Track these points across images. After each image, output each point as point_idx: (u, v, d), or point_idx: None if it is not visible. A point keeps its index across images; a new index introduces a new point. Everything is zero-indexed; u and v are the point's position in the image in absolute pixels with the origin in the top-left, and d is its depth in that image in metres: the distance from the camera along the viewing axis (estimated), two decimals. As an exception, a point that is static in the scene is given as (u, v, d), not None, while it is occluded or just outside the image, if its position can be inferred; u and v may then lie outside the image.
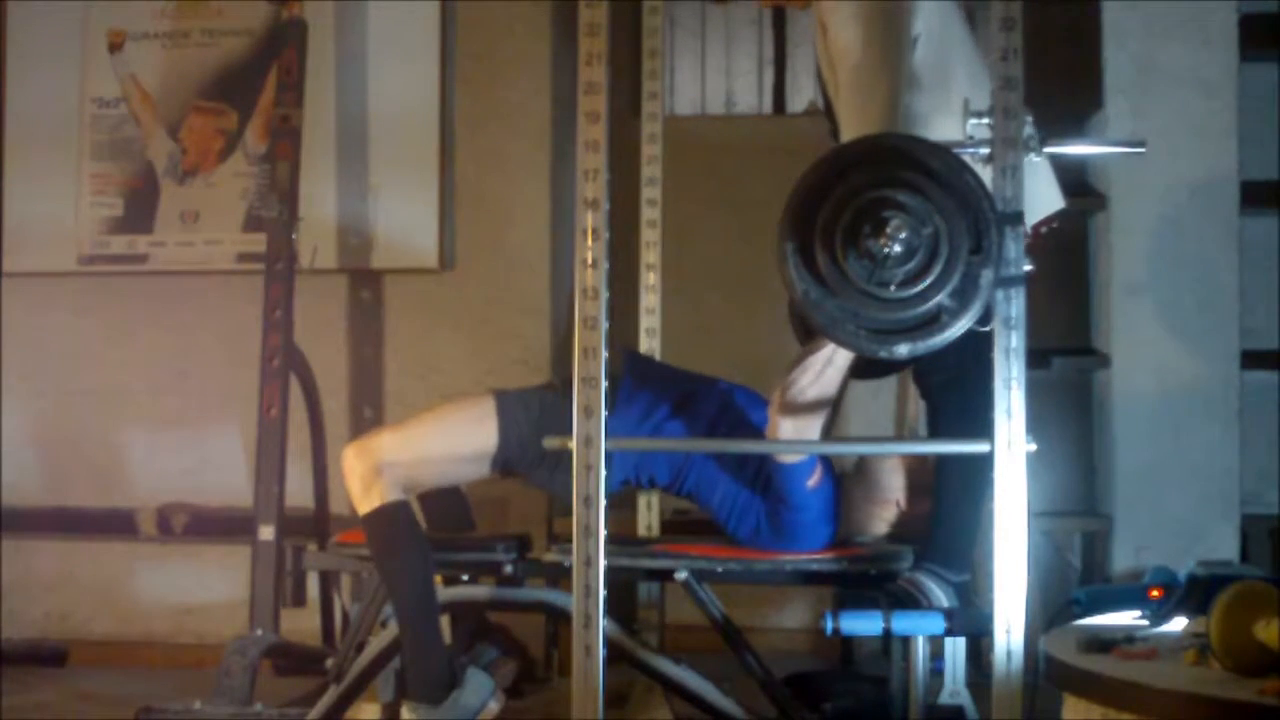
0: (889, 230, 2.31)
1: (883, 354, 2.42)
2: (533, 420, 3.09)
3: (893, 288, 2.35)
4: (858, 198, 2.36)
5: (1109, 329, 4.33)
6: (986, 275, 2.37)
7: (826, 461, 3.14)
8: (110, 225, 4.92)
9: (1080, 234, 4.59)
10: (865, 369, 2.92)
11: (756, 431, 3.12)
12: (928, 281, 2.34)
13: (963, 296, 2.37)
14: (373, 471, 3.07)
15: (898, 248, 2.32)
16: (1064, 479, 4.41)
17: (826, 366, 2.82)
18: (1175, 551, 4.02)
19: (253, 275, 4.48)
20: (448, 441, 3.14)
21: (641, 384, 3.19)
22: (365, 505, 3.08)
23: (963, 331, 2.39)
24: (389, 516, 3.06)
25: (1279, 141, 4.53)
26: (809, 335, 2.91)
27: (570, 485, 2.48)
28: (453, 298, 4.78)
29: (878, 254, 2.33)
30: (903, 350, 2.39)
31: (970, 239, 2.37)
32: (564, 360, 3.14)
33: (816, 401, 2.87)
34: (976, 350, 2.85)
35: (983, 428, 2.72)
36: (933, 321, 2.38)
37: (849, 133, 2.87)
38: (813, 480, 3.03)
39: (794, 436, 2.90)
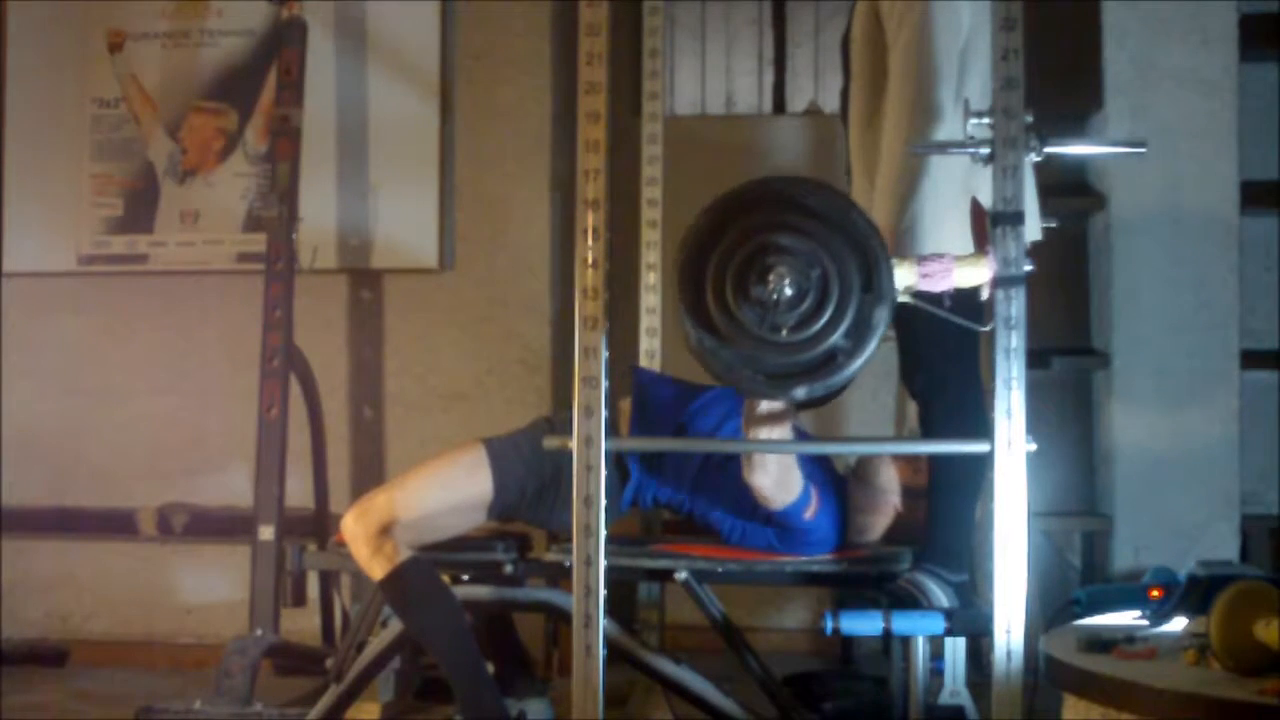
0: (772, 277, 2.30)
1: (780, 397, 2.41)
2: (525, 461, 3.10)
3: (784, 332, 2.34)
4: (743, 246, 2.35)
5: (1109, 329, 4.33)
6: (880, 313, 2.36)
7: (824, 481, 3.14)
8: (110, 225, 4.92)
9: (1080, 234, 4.59)
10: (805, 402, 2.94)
11: None
12: (820, 323, 2.34)
13: (857, 335, 2.36)
14: (377, 534, 3.04)
15: (787, 292, 2.31)
16: (1064, 479, 4.41)
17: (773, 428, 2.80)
18: (1175, 551, 4.03)
19: (253, 275, 4.48)
20: (445, 495, 3.12)
21: (654, 406, 3.19)
22: (377, 569, 3.05)
23: (858, 370, 2.37)
24: (406, 575, 3.04)
25: (1279, 141, 4.54)
26: None
27: (567, 520, 2.48)
28: (453, 298, 4.77)
29: (767, 300, 2.32)
30: (800, 392, 2.39)
31: (861, 277, 2.36)
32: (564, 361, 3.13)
33: (778, 461, 2.91)
34: (961, 350, 2.86)
35: (973, 426, 2.72)
36: (829, 362, 2.37)
37: (895, 125, 2.87)
38: (809, 511, 3.03)
39: (777, 490, 2.94)
